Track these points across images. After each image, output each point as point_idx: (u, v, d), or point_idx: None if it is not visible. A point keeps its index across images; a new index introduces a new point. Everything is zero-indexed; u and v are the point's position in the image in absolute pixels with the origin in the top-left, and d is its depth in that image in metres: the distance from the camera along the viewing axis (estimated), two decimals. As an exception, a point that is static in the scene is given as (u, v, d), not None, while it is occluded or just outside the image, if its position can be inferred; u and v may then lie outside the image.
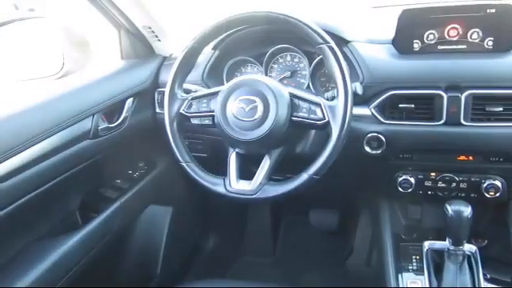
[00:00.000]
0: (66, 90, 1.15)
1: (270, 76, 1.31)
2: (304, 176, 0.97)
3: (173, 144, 1.08)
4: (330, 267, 1.92)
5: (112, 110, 1.25)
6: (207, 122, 1.08)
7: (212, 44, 1.29)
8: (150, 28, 1.35)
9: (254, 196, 1.00)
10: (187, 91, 1.13)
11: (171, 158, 1.11)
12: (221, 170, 1.07)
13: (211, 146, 1.33)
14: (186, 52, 1.09)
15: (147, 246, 1.57)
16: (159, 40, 1.40)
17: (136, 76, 1.34)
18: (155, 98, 1.38)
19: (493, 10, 1.06)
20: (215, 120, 1.04)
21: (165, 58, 1.43)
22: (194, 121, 1.10)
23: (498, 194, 1.14)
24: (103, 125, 1.19)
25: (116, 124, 1.25)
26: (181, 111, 1.08)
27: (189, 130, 1.18)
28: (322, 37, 0.99)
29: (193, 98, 1.08)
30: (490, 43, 1.09)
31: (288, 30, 1.02)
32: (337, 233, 1.97)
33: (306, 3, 1.44)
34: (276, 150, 1.03)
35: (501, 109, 1.04)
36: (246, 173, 1.05)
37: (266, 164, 1.02)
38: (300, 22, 0.99)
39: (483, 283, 1.10)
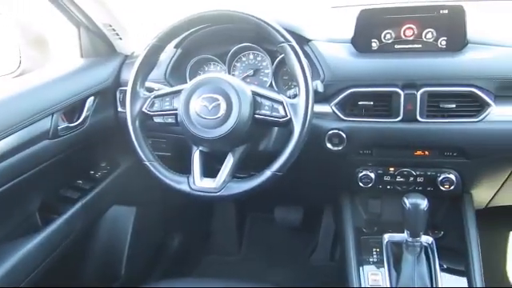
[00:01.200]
0: (23, 88, 1.12)
1: (233, 74, 1.32)
2: (267, 173, 0.98)
3: (136, 143, 1.07)
4: (295, 263, 1.95)
5: (72, 110, 1.22)
6: (170, 120, 1.07)
7: (174, 42, 1.28)
8: (111, 26, 1.33)
9: (217, 193, 1.00)
10: (150, 90, 1.13)
11: (134, 157, 1.09)
12: (185, 169, 1.07)
13: (175, 144, 1.33)
14: (147, 50, 1.08)
15: (111, 247, 1.54)
16: (120, 38, 1.38)
17: (97, 74, 1.32)
18: (117, 96, 1.36)
19: (445, 11, 1.11)
20: (178, 118, 1.04)
21: (126, 57, 1.42)
22: (157, 119, 1.09)
23: (452, 187, 1.19)
24: (63, 124, 1.17)
25: (76, 123, 1.22)
26: (143, 110, 1.08)
27: (152, 128, 1.17)
28: (283, 36, 1.00)
29: (155, 97, 1.08)
30: (444, 43, 1.13)
31: (250, 29, 1.03)
32: (301, 229, 2.01)
33: (268, 3, 1.45)
34: (239, 147, 1.04)
35: (454, 105, 1.09)
36: (210, 171, 1.05)
37: (229, 162, 1.03)
38: (261, 20, 1.01)
39: (439, 273, 1.15)
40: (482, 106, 1.08)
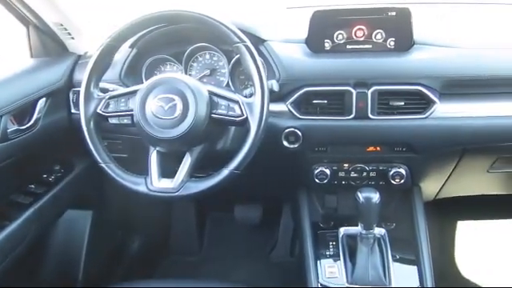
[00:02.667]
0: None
1: (189, 75, 1.32)
2: (225, 171, 1.00)
3: (91, 145, 1.05)
4: (256, 260, 1.97)
5: (22, 112, 1.18)
6: (126, 121, 1.06)
7: (129, 42, 1.27)
8: (62, 25, 1.30)
9: (176, 193, 1.01)
10: (104, 90, 1.11)
11: (89, 159, 1.08)
12: (142, 170, 1.06)
13: (131, 145, 1.31)
14: (101, 50, 1.06)
15: (67, 252, 1.51)
16: (72, 38, 1.35)
17: (48, 75, 1.28)
18: (70, 97, 1.32)
19: (393, 13, 1.16)
20: (134, 119, 1.03)
21: (79, 57, 1.38)
22: (113, 120, 1.07)
23: (402, 181, 1.25)
24: (13, 127, 1.13)
25: (27, 126, 1.18)
26: (98, 111, 1.06)
27: (107, 130, 1.16)
28: (238, 36, 1.02)
29: (110, 98, 1.06)
30: (392, 43, 1.18)
31: (205, 29, 1.04)
32: (261, 226, 2.03)
33: (224, 3, 1.46)
34: (197, 147, 1.04)
35: (402, 103, 1.15)
36: (167, 171, 1.05)
37: (187, 161, 1.03)
38: (216, 21, 1.02)
39: (391, 262, 1.21)
40: (428, 103, 1.14)
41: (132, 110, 1.04)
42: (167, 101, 1.00)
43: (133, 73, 1.31)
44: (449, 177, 1.34)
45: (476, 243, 1.94)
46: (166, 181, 1.02)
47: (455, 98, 1.16)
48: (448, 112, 1.15)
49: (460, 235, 1.98)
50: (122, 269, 1.77)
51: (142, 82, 1.08)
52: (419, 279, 1.19)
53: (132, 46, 1.30)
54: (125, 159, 1.21)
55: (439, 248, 1.86)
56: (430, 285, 1.18)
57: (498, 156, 1.26)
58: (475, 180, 1.43)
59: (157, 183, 1.02)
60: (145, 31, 1.21)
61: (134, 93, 1.05)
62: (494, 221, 1.99)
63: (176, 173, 1.03)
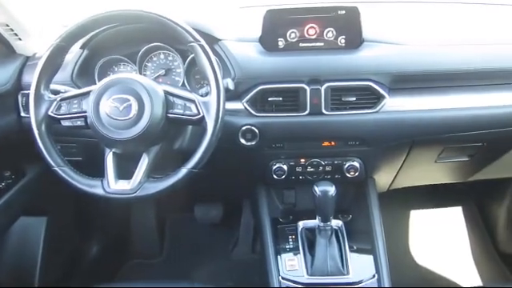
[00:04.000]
0: None
1: (144, 75, 1.30)
2: (183, 170, 1.00)
3: (43, 148, 1.03)
4: (218, 259, 1.98)
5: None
6: (79, 123, 1.04)
7: (81, 42, 1.24)
8: (8, 26, 1.25)
9: (134, 194, 1.00)
10: (55, 92, 1.08)
11: (42, 164, 1.05)
12: (98, 173, 1.05)
13: (86, 148, 1.28)
14: (50, 51, 1.04)
15: (21, 260, 1.45)
16: (19, 39, 1.30)
17: None
18: (19, 100, 1.28)
19: (343, 12, 1.20)
20: (88, 121, 1.02)
21: (28, 58, 1.33)
22: (65, 123, 1.05)
23: (357, 174, 1.29)
24: None
25: None
26: (49, 113, 1.03)
27: (60, 133, 1.12)
28: (192, 35, 1.02)
29: (62, 99, 1.04)
30: (343, 41, 1.22)
31: (159, 29, 1.04)
32: (222, 225, 2.04)
33: (177, 2, 1.46)
34: (154, 147, 1.04)
35: (354, 98, 1.19)
36: (124, 172, 1.04)
37: (144, 162, 1.03)
38: (170, 20, 1.02)
39: (349, 253, 1.25)
40: (378, 98, 1.19)
41: (85, 112, 1.02)
42: (122, 101, 0.99)
43: (85, 74, 1.28)
44: (400, 168, 1.40)
45: (428, 231, 2.04)
46: (123, 182, 1.01)
47: (403, 92, 1.21)
48: (397, 106, 1.20)
49: (413, 224, 2.07)
50: (80, 274, 1.73)
51: (95, 83, 1.06)
52: (375, 267, 1.24)
53: (83, 47, 1.27)
54: (80, 163, 1.18)
55: (394, 237, 1.93)
56: (385, 272, 1.22)
57: (444, 147, 1.33)
58: (425, 170, 1.49)
59: (114, 185, 1.01)
60: (96, 31, 1.19)
61: (86, 94, 1.03)
62: (444, 209, 2.10)
63: (133, 174, 1.02)
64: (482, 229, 2.02)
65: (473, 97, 1.23)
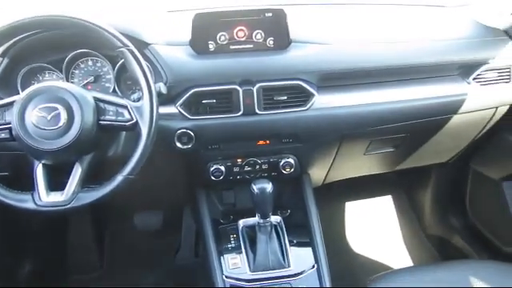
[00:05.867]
0: None
1: (72, 82, 1.26)
2: (119, 177, 0.99)
3: None
4: (162, 266, 1.95)
5: None
6: (4, 135, 0.99)
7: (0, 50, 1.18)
8: None
9: (68, 206, 0.97)
10: None
11: None
12: (28, 187, 1.00)
13: (12, 162, 1.21)
14: None
15: None
16: None
17: None
18: None
19: (270, 14, 1.23)
20: (13, 133, 0.97)
21: None
22: None
23: (292, 170, 1.34)
24: None
25: None
26: None
27: None
28: (120, 40, 1.01)
29: None
30: (272, 42, 1.25)
31: (84, 35, 1.01)
32: (164, 232, 2.02)
33: (103, 7, 1.42)
34: (86, 156, 1.02)
35: (285, 97, 1.23)
36: (57, 184, 1.01)
37: (77, 172, 1.00)
38: (96, 26, 1.00)
39: (289, 247, 1.29)
40: (307, 96, 1.24)
41: (10, 123, 0.97)
42: (49, 110, 0.96)
43: (6, 84, 1.21)
44: (332, 162, 1.47)
45: (362, 220, 2.15)
46: (55, 194, 0.98)
47: (331, 89, 1.27)
48: (326, 103, 1.26)
49: (349, 214, 2.17)
50: None
51: (19, 93, 1.02)
52: (314, 258, 1.29)
53: (3, 55, 1.20)
54: (7, 178, 1.12)
55: (331, 228, 2.02)
56: (323, 263, 1.28)
57: (371, 139, 1.41)
58: (355, 163, 1.58)
59: (45, 198, 0.97)
60: (16, 38, 1.14)
61: (10, 104, 0.98)
62: (376, 198, 2.22)
63: (66, 185, 0.99)
64: (410, 215, 2.16)
65: (395, 91, 1.32)
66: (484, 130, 1.53)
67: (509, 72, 1.39)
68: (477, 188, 1.85)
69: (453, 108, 1.37)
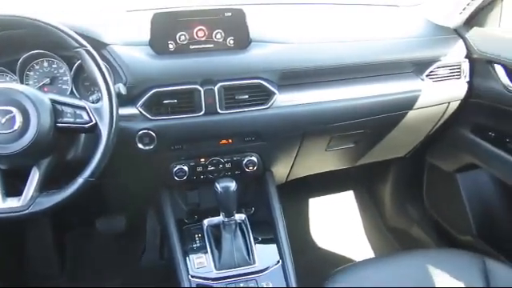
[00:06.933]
0: None
1: (26, 84, 1.22)
2: (79, 180, 0.97)
3: None
4: (126, 270, 1.92)
5: None
6: None
7: None
8: None
9: (26, 211, 0.94)
10: None
11: None
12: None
13: None
14: None
15: None
16: None
17: None
18: None
19: (229, 14, 1.24)
20: None
21: None
22: None
23: (255, 168, 1.35)
24: None
25: None
26: None
27: None
28: (77, 41, 0.99)
29: None
30: (232, 42, 1.26)
31: (39, 35, 0.99)
32: (128, 235, 1.98)
33: (59, 7, 1.39)
34: (44, 159, 0.99)
35: (246, 96, 1.24)
36: (13, 190, 0.98)
37: (35, 176, 0.97)
38: (51, 25, 0.97)
39: (254, 244, 1.30)
40: (268, 94, 1.25)
41: None
42: (3, 113, 0.93)
43: None
44: (295, 159, 1.49)
45: (326, 215, 2.20)
46: (12, 200, 0.95)
47: (291, 88, 1.29)
48: (287, 101, 1.28)
49: (312, 210, 2.22)
50: None
51: None
52: (279, 254, 1.31)
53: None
54: None
55: (295, 224, 2.05)
56: (288, 258, 1.30)
57: (332, 136, 1.45)
58: (317, 159, 1.61)
59: (1, 204, 0.95)
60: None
61: None
62: (339, 194, 2.28)
63: (23, 190, 0.96)
64: (371, 208, 2.22)
65: (354, 88, 1.35)
66: (438, 125, 1.60)
67: (459, 69, 1.46)
68: (433, 180, 1.93)
69: (408, 104, 1.42)
